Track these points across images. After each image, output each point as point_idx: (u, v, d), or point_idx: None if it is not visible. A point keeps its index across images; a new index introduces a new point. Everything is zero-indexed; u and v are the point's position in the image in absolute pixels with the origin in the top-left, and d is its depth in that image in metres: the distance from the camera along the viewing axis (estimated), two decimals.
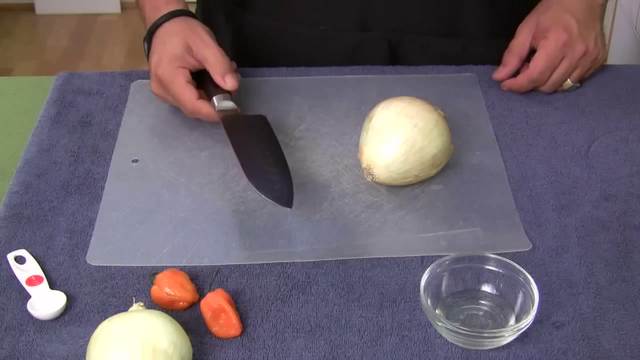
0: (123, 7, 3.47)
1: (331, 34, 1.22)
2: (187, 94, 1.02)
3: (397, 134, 0.94)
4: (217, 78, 1.03)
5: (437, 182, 0.99)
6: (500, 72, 1.15)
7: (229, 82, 1.03)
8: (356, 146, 0.99)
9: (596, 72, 1.16)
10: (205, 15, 1.31)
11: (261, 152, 0.96)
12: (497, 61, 1.18)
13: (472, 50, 1.21)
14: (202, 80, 1.06)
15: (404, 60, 1.22)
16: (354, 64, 1.19)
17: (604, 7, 1.15)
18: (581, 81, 1.15)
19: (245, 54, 1.18)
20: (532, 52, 1.13)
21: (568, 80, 1.13)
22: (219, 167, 1.01)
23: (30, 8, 3.51)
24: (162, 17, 1.07)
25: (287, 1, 1.21)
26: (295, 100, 1.13)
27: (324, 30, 1.21)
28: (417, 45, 1.21)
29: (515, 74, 1.14)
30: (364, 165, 0.96)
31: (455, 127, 1.02)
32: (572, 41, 1.10)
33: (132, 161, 1.02)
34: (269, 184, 0.91)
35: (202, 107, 1.02)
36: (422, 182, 0.98)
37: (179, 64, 1.03)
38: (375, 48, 1.21)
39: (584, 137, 1.07)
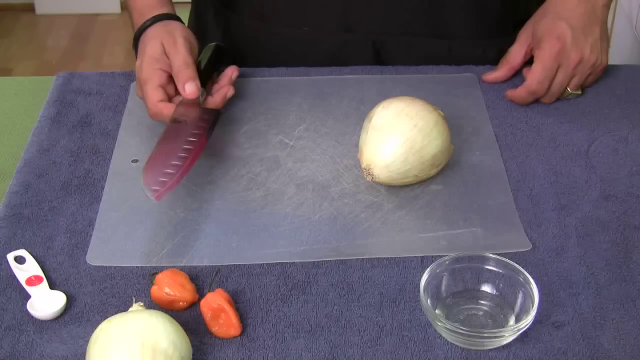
0: (123, 7, 3.47)
1: (315, 35, 1.21)
2: (151, 96, 1.01)
3: (397, 134, 0.94)
4: (179, 86, 1.02)
5: (437, 182, 0.99)
6: (490, 75, 1.16)
7: (188, 89, 1.01)
8: (356, 146, 0.99)
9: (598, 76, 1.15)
10: (198, 15, 1.31)
11: (180, 142, 0.95)
12: (482, 62, 1.18)
13: (457, 51, 1.21)
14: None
15: (388, 61, 1.21)
16: (339, 65, 1.19)
17: (607, 7, 1.12)
18: (582, 87, 1.14)
19: (233, 54, 1.18)
20: (532, 61, 1.13)
21: (568, 88, 1.12)
22: (219, 167, 1.01)
23: (30, 8, 3.51)
24: (145, 22, 1.08)
25: (270, 2, 1.21)
26: (295, 100, 1.13)
27: (307, 31, 1.21)
28: (401, 46, 1.21)
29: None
30: (363, 165, 0.96)
31: (455, 127, 1.02)
32: (565, 50, 1.09)
33: (132, 161, 1.02)
34: (158, 174, 0.90)
35: (164, 109, 1.01)
36: (422, 182, 0.98)
37: (158, 66, 1.03)
38: (360, 49, 1.21)
39: (584, 137, 1.07)
